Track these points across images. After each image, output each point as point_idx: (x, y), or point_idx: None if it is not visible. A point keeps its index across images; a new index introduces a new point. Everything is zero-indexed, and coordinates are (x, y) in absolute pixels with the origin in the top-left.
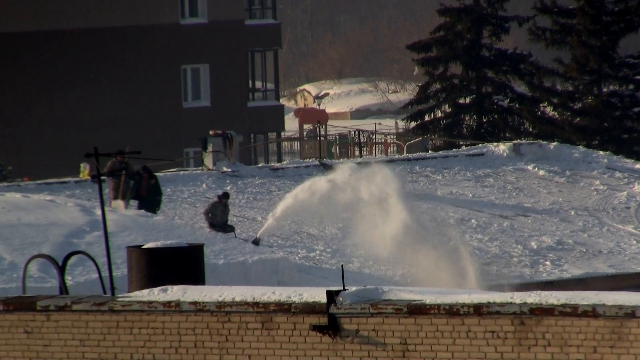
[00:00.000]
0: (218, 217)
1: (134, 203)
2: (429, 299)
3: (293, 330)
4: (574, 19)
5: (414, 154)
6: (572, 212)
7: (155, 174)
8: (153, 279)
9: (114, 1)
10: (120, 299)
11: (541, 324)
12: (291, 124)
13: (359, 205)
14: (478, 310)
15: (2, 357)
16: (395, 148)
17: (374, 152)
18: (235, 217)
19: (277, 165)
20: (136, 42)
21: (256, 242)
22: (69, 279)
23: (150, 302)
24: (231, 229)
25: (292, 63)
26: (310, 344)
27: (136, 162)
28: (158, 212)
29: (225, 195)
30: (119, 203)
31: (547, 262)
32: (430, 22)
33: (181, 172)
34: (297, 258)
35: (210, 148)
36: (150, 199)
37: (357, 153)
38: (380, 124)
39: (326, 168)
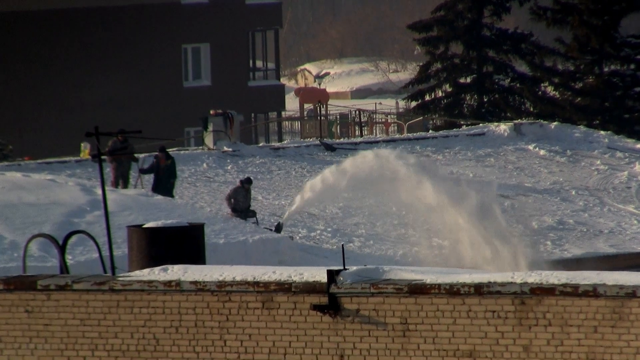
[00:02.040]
0: (240, 202)
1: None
2: (429, 278)
3: (294, 309)
4: None
5: (415, 134)
6: (573, 192)
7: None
8: (153, 259)
9: None
10: (121, 279)
11: (542, 304)
12: (292, 103)
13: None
14: (479, 290)
15: (3, 337)
16: (395, 128)
17: (374, 131)
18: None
19: (277, 144)
20: (137, 21)
21: (279, 228)
22: (69, 258)
23: (150, 282)
24: (253, 214)
25: (293, 42)
26: (310, 323)
27: (137, 142)
28: (173, 194)
29: (248, 181)
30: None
31: (548, 242)
32: (432, 2)
33: (182, 152)
34: (297, 237)
35: (211, 127)
36: (165, 181)
37: (357, 133)
38: (380, 103)
39: (327, 148)
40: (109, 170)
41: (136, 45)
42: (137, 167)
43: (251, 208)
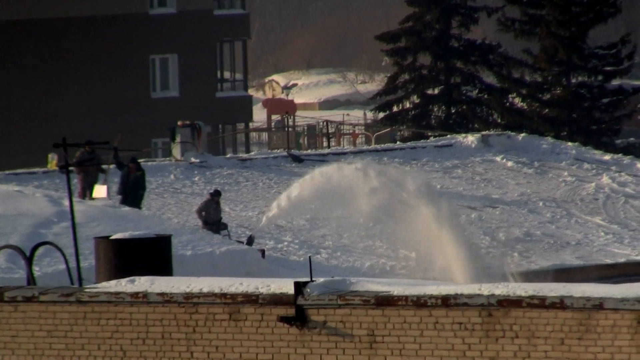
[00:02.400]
0: (211, 215)
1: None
2: (396, 290)
3: (260, 321)
4: (543, 9)
5: (383, 145)
6: (541, 204)
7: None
8: (121, 270)
9: None
10: (88, 290)
11: (509, 316)
12: (259, 114)
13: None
14: (446, 301)
15: None
16: (363, 139)
17: (342, 143)
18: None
19: (245, 156)
20: (104, 31)
21: (250, 241)
22: (36, 270)
23: (117, 293)
24: (225, 226)
25: (261, 53)
26: (277, 335)
27: (104, 153)
28: (140, 206)
29: (217, 193)
30: (102, 189)
31: (515, 254)
32: (400, 12)
33: (149, 163)
34: (265, 249)
35: (178, 139)
36: (133, 192)
37: (325, 144)
38: (348, 114)
39: (294, 159)
40: (76, 181)
41: (104, 55)
42: (104, 178)
43: (222, 221)
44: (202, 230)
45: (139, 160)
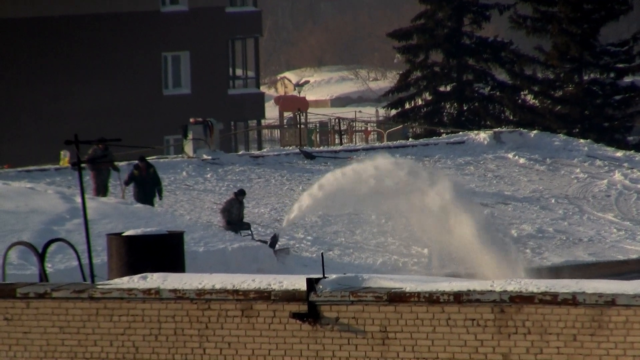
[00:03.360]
0: (234, 215)
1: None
2: (409, 286)
3: (273, 317)
4: (555, 6)
5: (395, 142)
6: (553, 200)
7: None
8: (133, 267)
9: None
10: (100, 287)
11: (521, 312)
12: (271, 111)
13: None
14: (458, 298)
15: None
16: (375, 136)
17: (354, 140)
18: (215, 205)
19: (257, 153)
20: (116, 29)
21: (274, 240)
22: (48, 267)
23: (130, 290)
24: (247, 226)
25: (273, 51)
26: (290, 331)
27: (117, 150)
28: (159, 203)
29: (241, 192)
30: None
31: (527, 250)
32: (411, 10)
33: (162, 160)
34: (277, 245)
35: (190, 136)
36: (150, 190)
37: (337, 141)
38: (360, 111)
39: (306, 156)
40: (88, 178)
41: (116, 53)
42: (118, 176)
43: (244, 220)
44: (215, 228)
45: (147, 158)
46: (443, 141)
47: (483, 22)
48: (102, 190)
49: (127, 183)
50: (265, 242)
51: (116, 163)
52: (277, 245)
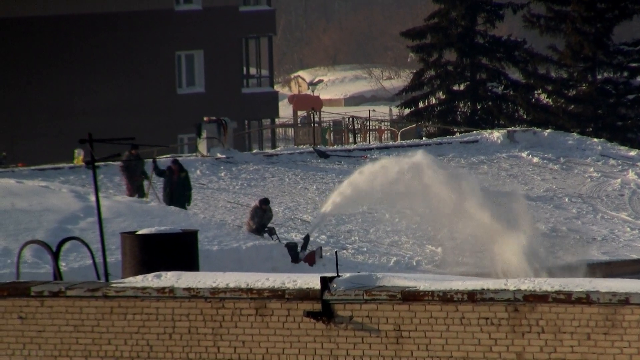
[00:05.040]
0: (258, 222)
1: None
2: (422, 285)
3: (287, 316)
4: (569, 6)
5: (408, 141)
6: (566, 199)
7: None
8: (147, 265)
9: None
10: (114, 285)
11: (535, 311)
12: (285, 110)
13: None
14: (472, 297)
15: None
16: (389, 135)
17: (368, 139)
18: (229, 204)
19: (271, 151)
20: (131, 28)
21: (306, 241)
22: (63, 265)
23: (144, 288)
24: (272, 231)
25: (287, 49)
26: (304, 330)
27: (130, 148)
28: (188, 207)
29: (266, 201)
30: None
31: (541, 249)
32: (425, 9)
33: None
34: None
35: (204, 134)
36: (180, 193)
37: (351, 140)
38: (374, 110)
39: (320, 155)
40: (119, 178)
41: (130, 52)
42: (148, 184)
43: (270, 225)
44: (229, 227)
45: (161, 158)
46: (457, 140)
47: (497, 21)
48: (137, 195)
49: (159, 174)
50: (294, 244)
51: (148, 171)
52: (308, 246)
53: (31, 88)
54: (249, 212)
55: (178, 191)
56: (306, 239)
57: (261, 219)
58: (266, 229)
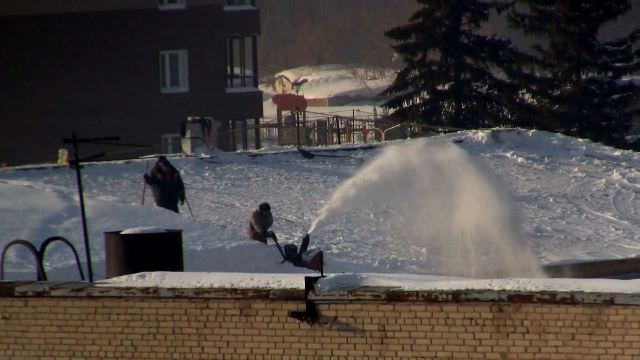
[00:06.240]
0: (259, 228)
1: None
2: (407, 285)
3: (271, 316)
4: (553, 5)
5: (393, 141)
6: (551, 199)
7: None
8: (131, 265)
9: None
10: (99, 285)
11: (519, 311)
12: (269, 110)
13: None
14: (456, 297)
15: None
16: (373, 134)
17: (352, 138)
18: (213, 204)
19: (255, 151)
20: (115, 27)
21: (305, 242)
22: (47, 265)
23: (128, 289)
24: (272, 235)
25: (271, 49)
26: (288, 330)
27: (113, 148)
28: (183, 205)
29: (266, 207)
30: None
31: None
32: (410, 8)
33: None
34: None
35: (188, 134)
36: (173, 195)
37: (335, 140)
38: (358, 110)
39: (304, 155)
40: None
41: (114, 51)
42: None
43: (269, 230)
44: (214, 227)
45: (145, 157)
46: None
47: (481, 21)
48: (167, 204)
49: (149, 182)
50: (294, 246)
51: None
52: (308, 247)
53: (15, 87)
54: (250, 218)
55: (174, 193)
56: (306, 239)
57: (262, 223)
58: (267, 232)
